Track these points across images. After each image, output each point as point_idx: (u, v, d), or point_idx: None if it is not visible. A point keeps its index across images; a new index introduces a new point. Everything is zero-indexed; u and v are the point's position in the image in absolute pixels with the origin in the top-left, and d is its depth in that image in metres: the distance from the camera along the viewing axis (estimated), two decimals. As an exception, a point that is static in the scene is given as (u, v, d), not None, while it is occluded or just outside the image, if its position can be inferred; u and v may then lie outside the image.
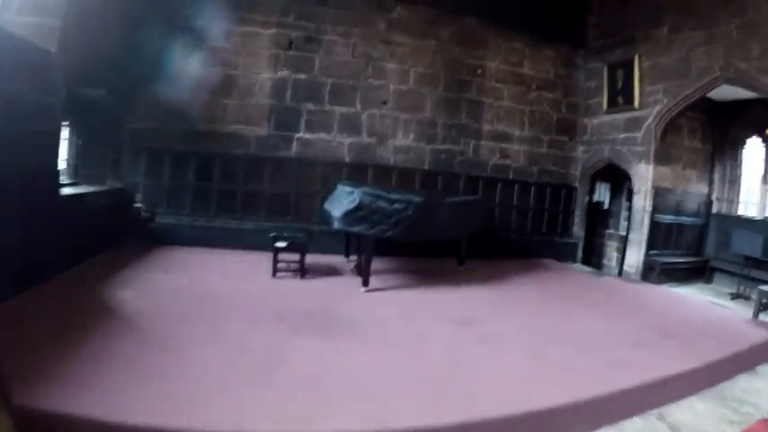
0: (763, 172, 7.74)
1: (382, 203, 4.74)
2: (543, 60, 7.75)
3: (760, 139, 7.86)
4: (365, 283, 4.93)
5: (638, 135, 6.99)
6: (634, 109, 7.04)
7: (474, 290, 5.44)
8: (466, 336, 3.93)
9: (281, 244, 5.06)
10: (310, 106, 6.54)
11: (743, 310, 5.90)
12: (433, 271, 6.12)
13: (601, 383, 3.14)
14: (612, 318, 4.91)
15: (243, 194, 6.42)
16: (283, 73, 6.43)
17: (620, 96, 7.22)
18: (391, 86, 6.80)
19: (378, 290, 4.99)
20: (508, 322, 4.42)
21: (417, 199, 4.93)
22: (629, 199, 7.43)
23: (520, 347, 3.75)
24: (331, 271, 5.60)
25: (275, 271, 5.09)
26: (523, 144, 7.71)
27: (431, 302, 4.83)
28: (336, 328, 3.75)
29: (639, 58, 6.92)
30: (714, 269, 7.56)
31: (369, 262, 4.97)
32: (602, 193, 8.22)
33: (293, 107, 6.50)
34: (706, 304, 6.10)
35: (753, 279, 6.67)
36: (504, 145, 7.57)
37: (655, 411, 3.15)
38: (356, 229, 4.76)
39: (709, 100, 6.95)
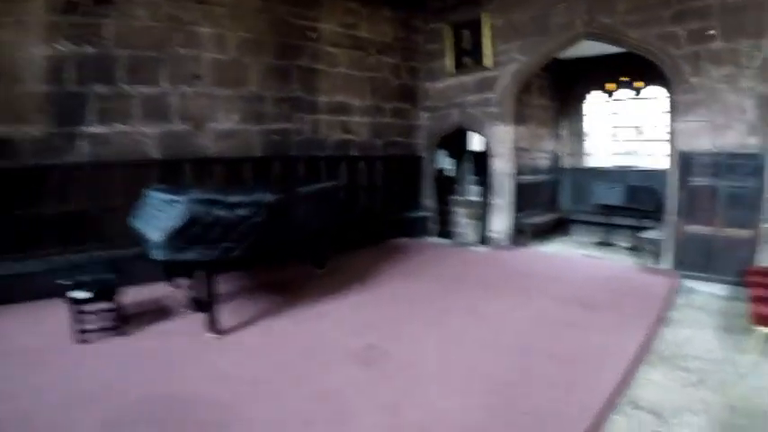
0: (608, 125, 8.74)
1: (221, 212, 3.75)
2: (381, 22, 7.47)
3: (602, 93, 8.71)
4: (214, 329, 3.89)
5: (493, 96, 7.14)
6: (486, 69, 7.15)
7: (355, 298, 4.91)
8: (386, 379, 3.25)
9: (79, 294, 3.70)
10: (101, 89, 5.09)
11: (623, 259, 6.86)
12: (292, 282, 5.41)
13: (576, 389, 3.15)
14: (523, 298, 5.01)
15: (20, 223, 4.75)
16: (62, 47, 4.87)
17: (469, 57, 7.29)
18: (207, 56, 5.72)
19: (233, 331, 3.99)
20: (418, 336, 3.94)
21: (267, 197, 4.08)
22: (480, 163, 7.60)
23: (455, 373, 3.36)
24: (161, 312, 4.41)
25: (79, 332, 3.72)
26: (365, 115, 7.41)
27: (313, 333, 4.02)
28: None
29: (489, 16, 6.96)
30: (570, 221, 8.49)
31: (214, 298, 3.91)
32: (447, 161, 8.31)
33: (78, 93, 4.98)
34: (593, 260, 6.83)
35: (613, 226, 7.79)
36: (344, 118, 7.15)
37: (625, 400, 3.13)
38: (190, 255, 3.65)
39: (554, 58, 7.25)
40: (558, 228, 8.42)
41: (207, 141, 5.86)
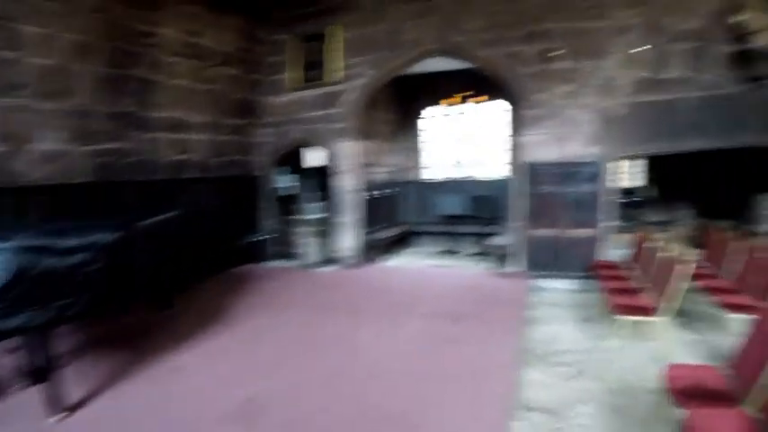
0: (447, 136, 9.34)
1: (52, 260, 3.11)
2: (225, 30, 7.05)
3: (443, 107, 9.29)
4: (58, 407, 3.17)
5: (339, 111, 7.09)
6: (332, 83, 7.07)
7: (214, 343, 4.42)
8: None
9: None
10: None
11: (472, 266, 7.30)
12: (139, 329, 4.78)
13: (473, 406, 3.25)
14: (391, 318, 5.01)
15: None
16: None
17: (315, 71, 7.18)
18: (30, 61, 4.77)
19: (80, 406, 3.30)
20: (297, 378, 3.66)
21: (107, 237, 3.54)
22: (322, 180, 7.52)
23: (347, 410, 3.19)
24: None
25: None
26: (204, 132, 6.92)
27: (175, 393, 3.49)
28: None
29: (341, 29, 6.95)
30: (415, 233, 8.91)
31: (53, 365, 3.23)
32: (288, 178, 8.08)
33: None
34: (446, 270, 7.13)
35: (457, 234, 8.30)
36: (182, 136, 6.60)
37: (518, 405, 3.26)
38: (16, 322, 2.96)
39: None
40: (404, 240, 8.77)
41: (25, 165, 4.88)
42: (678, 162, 6.72)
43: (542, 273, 6.13)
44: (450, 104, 9.37)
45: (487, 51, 6.24)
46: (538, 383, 3.58)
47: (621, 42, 5.96)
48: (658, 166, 7.39)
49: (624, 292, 4.61)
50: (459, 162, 9.66)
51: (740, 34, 6.15)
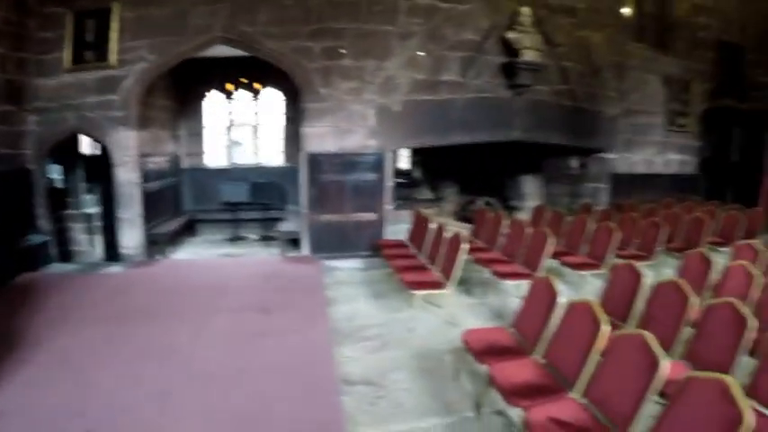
0: (227, 123, 9.56)
1: None
2: None
3: (222, 94, 9.44)
4: None
5: (117, 97, 6.59)
6: (110, 67, 6.52)
7: (20, 376, 3.72)
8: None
9: None
10: None
11: (261, 251, 7.61)
12: None
13: (310, 393, 3.51)
14: (199, 318, 4.86)
15: None
16: None
17: (92, 52, 6.57)
18: None
19: None
20: (128, 404, 3.35)
21: None
22: (98, 172, 7.01)
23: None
24: None
25: None
26: None
27: None
28: None
29: (119, 6, 6.43)
30: (197, 222, 8.93)
31: None
32: (62, 171, 7.37)
33: None
34: (238, 259, 7.30)
35: (241, 221, 8.53)
36: None
37: (340, 381, 3.59)
38: None
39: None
40: (189, 230, 8.73)
41: None
42: (450, 150, 7.90)
43: (331, 254, 6.71)
44: (234, 90, 9.51)
45: (276, 44, 6.47)
46: (352, 359, 4.03)
47: (404, 46, 6.73)
48: (430, 153, 8.47)
49: (413, 269, 5.39)
50: (241, 149, 9.94)
51: (510, 49, 7.32)
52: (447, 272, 5.01)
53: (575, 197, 9.46)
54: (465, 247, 4.90)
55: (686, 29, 10.37)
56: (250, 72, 9.09)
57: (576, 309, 3.16)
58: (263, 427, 3.17)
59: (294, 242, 7.21)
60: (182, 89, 9.02)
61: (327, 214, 6.74)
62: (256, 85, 9.51)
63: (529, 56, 7.48)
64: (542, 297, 3.52)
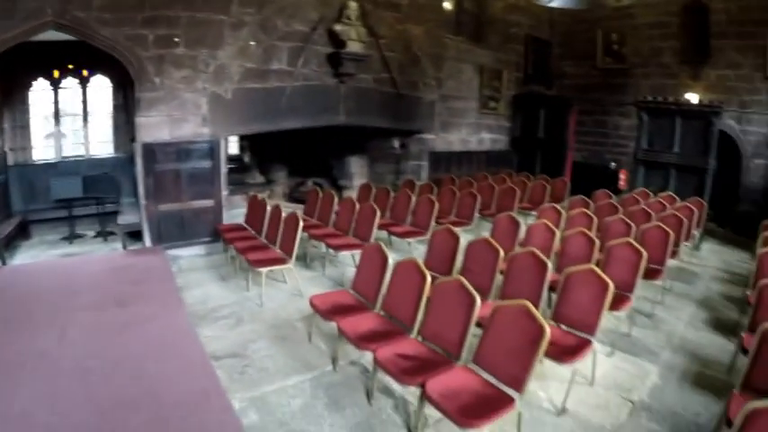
0: (54, 113, 9.31)
1: None
2: None
3: (48, 81, 9.16)
4: None
5: None
6: None
7: None
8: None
9: None
10: None
11: (103, 248, 7.85)
12: None
13: (187, 374, 3.96)
14: (61, 320, 4.86)
15: None
16: None
17: None
18: None
19: None
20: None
21: None
22: None
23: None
24: None
25: None
26: None
27: None
28: None
29: None
30: (30, 223, 8.50)
31: None
32: None
33: None
34: (81, 258, 7.33)
35: (77, 217, 8.46)
36: None
37: (210, 357, 4.18)
38: None
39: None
40: (21, 233, 8.28)
41: None
42: (278, 134, 8.81)
43: (173, 243, 7.32)
44: (60, 77, 9.33)
45: (110, 31, 6.65)
46: (213, 337, 4.86)
47: (236, 36, 7.58)
48: (259, 138, 9.27)
49: (255, 249, 6.32)
50: (70, 140, 9.76)
51: (337, 40, 8.56)
52: (287, 248, 6.08)
53: (398, 174, 11.16)
54: (302, 224, 6.03)
55: (500, 25, 12.46)
56: (77, 58, 8.99)
57: (403, 266, 4.37)
58: (153, 404, 3.64)
59: (135, 235, 7.59)
60: (4, 77, 8.59)
61: (166, 204, 7.27)
62: (84, 72, 9.46)
63: (354, 47, 8.76)
64: (375, 260, 4.69)
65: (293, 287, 6.11)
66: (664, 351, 5.02)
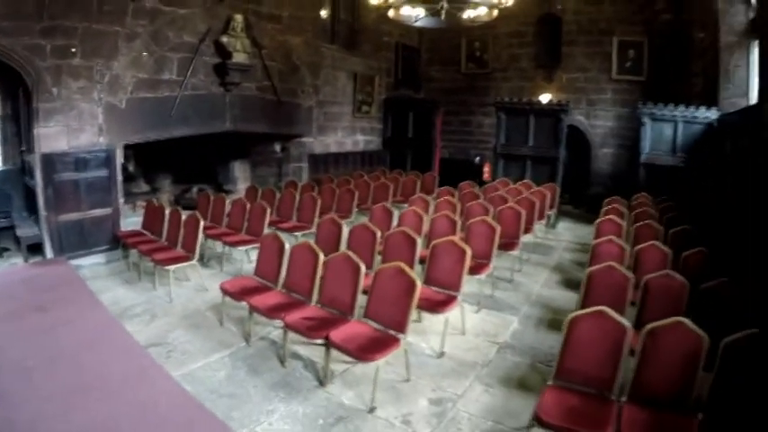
0: None
1: None
2: None
3: None
4: None
5: None
6: None
7: None
8: None
9: None
10: None
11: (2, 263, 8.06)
12: None
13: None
14: None
15: None
16: None
17: None
18: None
19: None
20: None
21: None
22: None
23: None
24: None
25: None
26: None
27: None
28: None
29: None
30: None
31: None
32: None
33: None
34: None
35: None
36: None
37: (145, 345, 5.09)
38: None
39: None
40: None
41: None
42: (162, 142, 9.70)
43: (76, 253, 8.05)
44: None
45: (7, 40, 7.10)
46: (133, 332, 5.76)
47: (129, 47, 8.51)
48: (143, 146, 9.84)
49: (159, 250, 7.35)
50: None
51: (223, 51, 9.86)
52: (190, 247, 7.23)
53: (280, 176, 12.63)
54: (202, 224, 7.24)
55: (372, 34, 14.54)
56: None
57: (299, 248, 5.74)
58: (100, 385, 4.46)
59: (33, 248, 8.00)
60: None
61: (66, 213, 7.95)
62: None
63: (239, 57, 10.08)
64: (273, 248, 5.94)
65: (196, 284, 7.32)
66: (523, 306, 6.99)
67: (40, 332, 5.56)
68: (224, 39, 9.89)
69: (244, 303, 5.57)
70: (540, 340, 5.90)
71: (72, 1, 7.70)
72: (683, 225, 7.49)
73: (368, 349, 4.42)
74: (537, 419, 3.52)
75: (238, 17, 10.02)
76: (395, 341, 4.60)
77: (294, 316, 4.99)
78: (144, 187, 11.62)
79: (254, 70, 10.76)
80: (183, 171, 12.39)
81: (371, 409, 4.42)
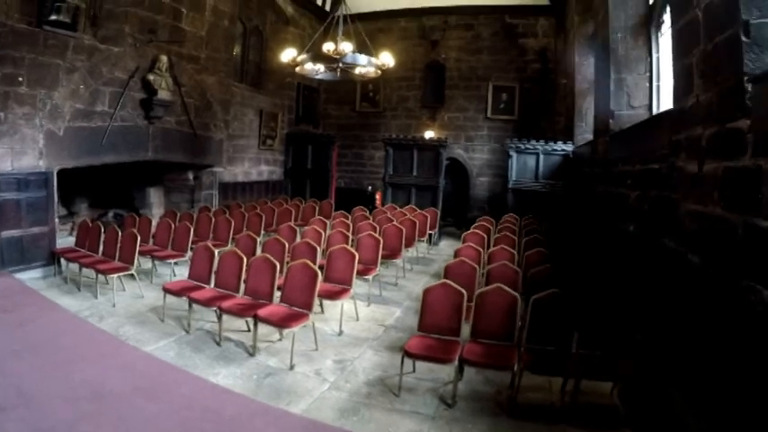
0: None
1: None
2: None
3: None
4: None
5: None
6: None
7: None
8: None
9: None
10: None
11: None
12: None
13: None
14: None
15: None
16: None
17: None
18: None
19: None
20: None
21: None
22: None
23: None
24: None
25: None
26: None
27: None
28: None
29: None
30: None
31: None
32: None
33: None
34: None
35: None
36: None
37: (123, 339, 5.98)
38: None
39: None
40: None
41: None
42: (82, 168, 10.52)
43: (16, 268, 8.80)
44: None
45: None
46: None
47: (69, 79, 9.47)
48: (61, 171, 10.29)
49: (100, 263, 8.43)
50: None
51: (149, 87, 11.31)
52: (127, 259, 8.36)
53: (193, 203, 13.82)
54: (138, 238, 8.43)
55: (277, 74, 16.36)
56: None
57: (226, 255, 7.23)
58: (87, 359, 5.42)
59: None
60: None
61: (8, 230, 8.76)
62: None
63: (163, 94, 11.33)
64: (204, 255, 7.45)
65: (132, 292, 8.42)
66: (405, 301, 8.89)
67: (10, 327, 6.32)
68: (150, 77, 11.08)
69: (183, 300, 6.98)
70: (415, 322, 7.29)
71: (21, 33, 8.65)
72: (536, 235, 9.97)
73: (286, 320, 6.09)
74: (405, 353, 5.36)
75: (163, 57, 11.31)
76: (305, 316, 6.27)
77: (228, 303, 6.52)
78: (61, 211, 12.21)
79: (175, 106, 12.02)
80: (100, 196, 13.30)
81: (291, 367, 5.97)
